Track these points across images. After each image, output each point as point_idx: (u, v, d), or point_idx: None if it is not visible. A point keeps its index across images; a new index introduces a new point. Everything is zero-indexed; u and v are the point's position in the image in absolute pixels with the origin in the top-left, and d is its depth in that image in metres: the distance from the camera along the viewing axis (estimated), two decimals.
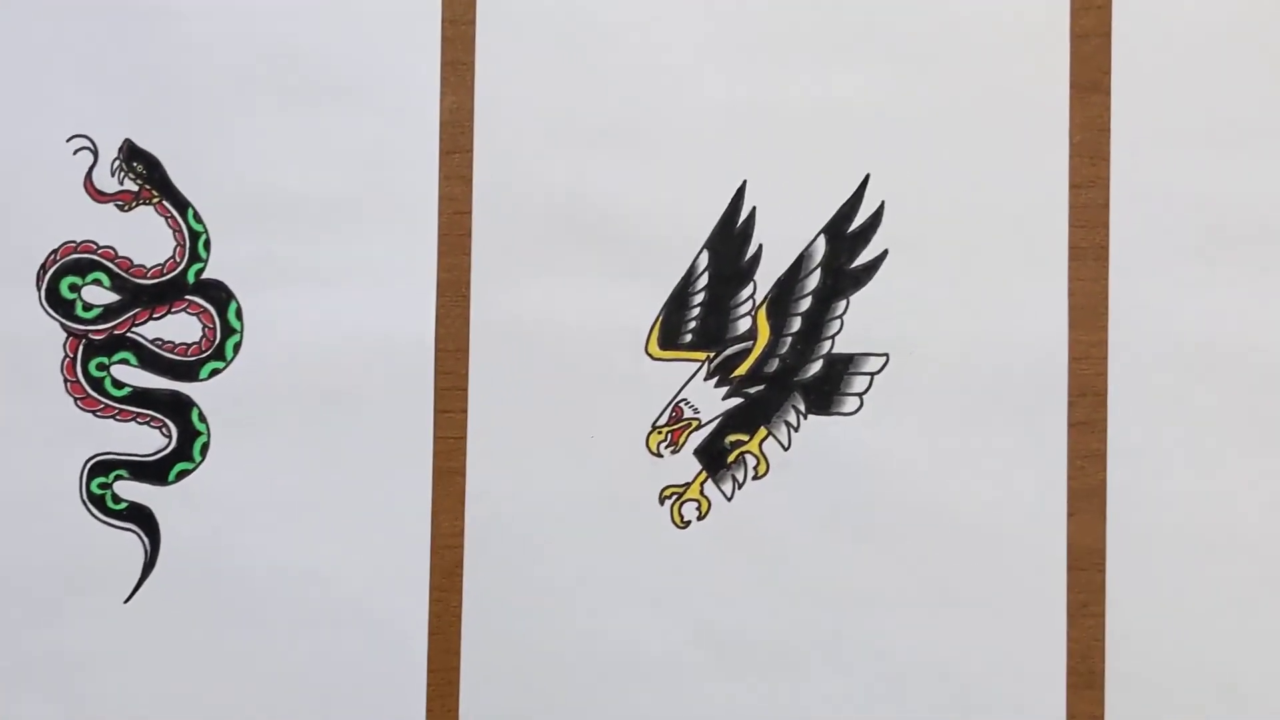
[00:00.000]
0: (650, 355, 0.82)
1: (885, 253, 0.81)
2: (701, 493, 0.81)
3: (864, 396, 0.80)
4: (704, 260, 0.81)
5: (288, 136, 0.83)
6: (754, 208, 0.81)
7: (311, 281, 0.82)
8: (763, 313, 0.81)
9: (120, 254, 0.83)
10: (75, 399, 0.83)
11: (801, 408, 0.81)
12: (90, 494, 0.83)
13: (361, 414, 0.82)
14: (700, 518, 0.81)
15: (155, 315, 0.83)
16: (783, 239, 0.81)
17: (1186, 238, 0.79)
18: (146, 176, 0.83)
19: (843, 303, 0.81)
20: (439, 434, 0.82)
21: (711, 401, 0.81)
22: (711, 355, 0.82)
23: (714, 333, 0.82)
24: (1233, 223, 0.79)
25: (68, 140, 0.83)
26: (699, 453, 0.81)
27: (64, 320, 0.84)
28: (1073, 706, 0.79)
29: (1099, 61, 0.80)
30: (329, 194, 0.82)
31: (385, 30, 0.82)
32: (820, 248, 0.81)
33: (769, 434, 0.81)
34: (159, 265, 0.83)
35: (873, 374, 0.80)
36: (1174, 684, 0.78)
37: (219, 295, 0.83)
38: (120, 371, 0.83)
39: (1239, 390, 0.79)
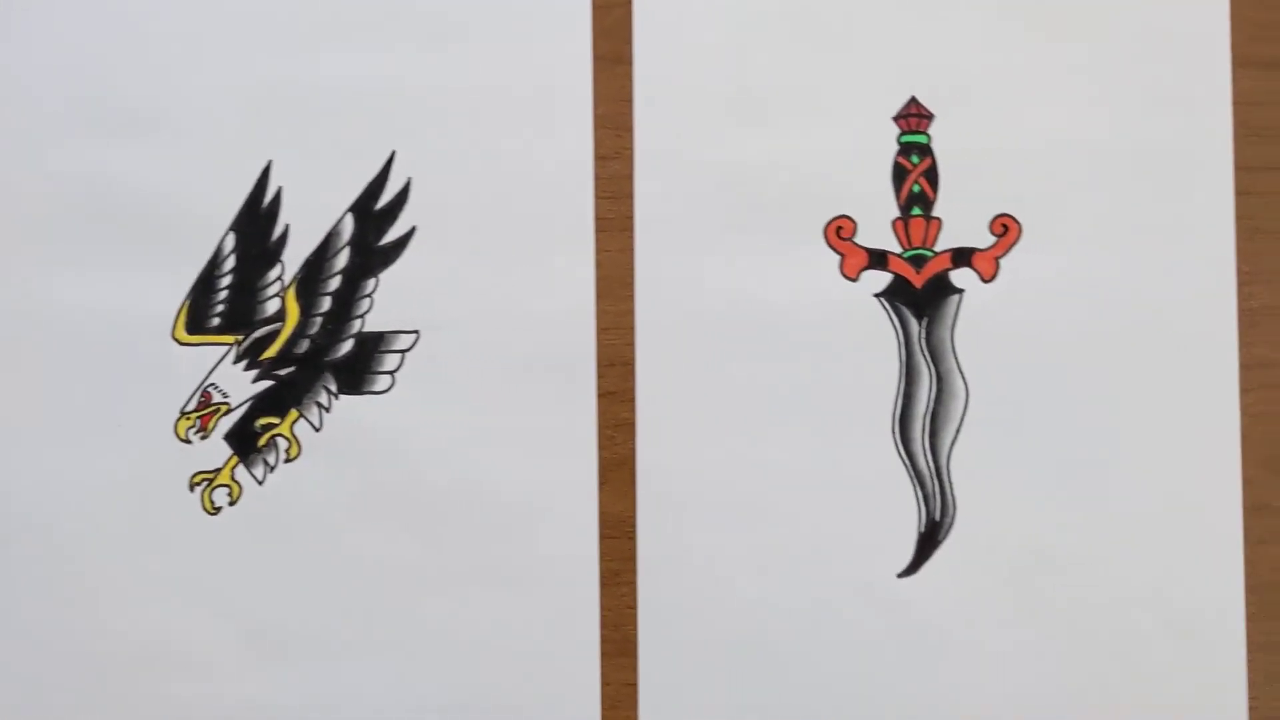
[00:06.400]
0: (177, 340, 0.80)
1: (414, 229, 0.80)
2: (233, 478, 0.80)
3: (395, 374, 0.80)
4: (230, 242, 0.80)
5: None
6: (280, 187, 0.80)
7: None
8: (291, 293, 0.80)
9: None
10: None
11: (333, 388, 0.80)
12: None
13: None
14: (232, 503, 0.80)
15: None
16: (310, 218, 0.80)
17: (712, 207, 0.80)
18: None
19: (372, 281, 0.80)
20: None
21: (241, 385, 0.80)
22: (240, 338, 0.80)
23: (242, 315, 0.80)
24: (757, 192, 0.80)
25: None
26: (229, 437, 0.80)
27: None
28: (607, 674, 0.79)
29: (621, 33, 0.81)
30: None
31: None
32: (348, 226, 0.80)
33: (300, 415, 0.80)
34: None
35: (404, 351, 0.80)
36: (705, 650, 0.79)
37: None
38: None
39: (766, 357, 0.79)
